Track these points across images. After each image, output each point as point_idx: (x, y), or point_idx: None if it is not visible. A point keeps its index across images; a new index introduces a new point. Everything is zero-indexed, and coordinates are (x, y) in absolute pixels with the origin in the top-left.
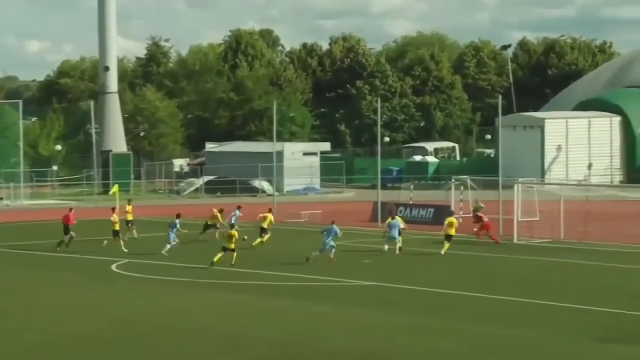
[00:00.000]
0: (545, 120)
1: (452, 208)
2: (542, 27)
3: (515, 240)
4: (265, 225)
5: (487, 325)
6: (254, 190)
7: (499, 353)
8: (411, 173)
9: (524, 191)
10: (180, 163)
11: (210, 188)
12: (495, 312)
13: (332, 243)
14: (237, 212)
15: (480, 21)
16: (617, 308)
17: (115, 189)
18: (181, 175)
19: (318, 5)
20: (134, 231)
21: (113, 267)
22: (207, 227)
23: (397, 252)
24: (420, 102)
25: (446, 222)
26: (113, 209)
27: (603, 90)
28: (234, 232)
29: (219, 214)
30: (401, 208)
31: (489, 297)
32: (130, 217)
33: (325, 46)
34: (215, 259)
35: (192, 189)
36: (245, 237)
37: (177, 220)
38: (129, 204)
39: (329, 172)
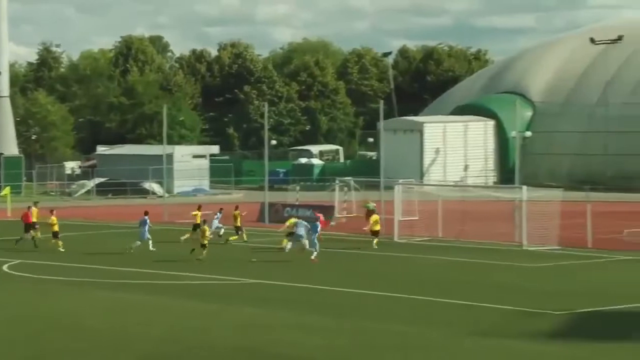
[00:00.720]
0: (425, 125)
1: (336, 209)
2: (421, 35)
3: (396, 239)
4: (238, 223)
5: (369, 322)
6: (145, 192)
7: (380, 348)
8: (297, 175)
9: (404, 192)
10: (72, 166)
11: (102, 190)
12: (377, 309)
13: (303, 234)
14: (219, 214)
15: (362, 29)
16: (496, 303)
17: (6, 191)
18: (73, 178)
19: (205, 13)
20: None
21: (4, 267)
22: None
23: (313, 257)
24: (305, 106)
25: (372, 220)
26: (51, 211)
27: (478, 96)
28: (205, 227)
29: (198, 213)
30: (288, 209)
31: (371, 294)
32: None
33: (214, 52)
34: (201, 256)
35: (83, 190)
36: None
37: (147, 217)
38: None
39: (218, 174)
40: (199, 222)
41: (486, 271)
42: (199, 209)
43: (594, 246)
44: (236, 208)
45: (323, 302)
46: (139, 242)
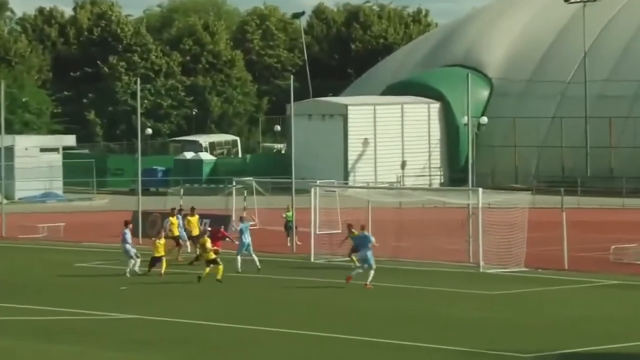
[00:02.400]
0: (349, 107)
1: (233, 219)
2: None
3: (312, 259)
4: (197, 231)
5: None
6: None
7: None
8: (181, 174)
9: (323, 197)
10: None
11: None
12: (275, 349)
13: (249, 241)
14: (180, 216)
15: None
16: (439, 343)
17: None
18: None
19: None
20: None
21: None
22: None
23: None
24: (191, 83)
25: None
26: None
27: (418, 70)
28: (206, 239)
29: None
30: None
31: (271, 331)
32: None
33: (68, 12)
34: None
35: None
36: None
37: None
38: None
39: (75, 173)
40: (197, 232)
41: (429, 301)
42: (192, 211)
43: (572, 267)
44: (192, 211)
45: (219, 342)
46: (132, 261)
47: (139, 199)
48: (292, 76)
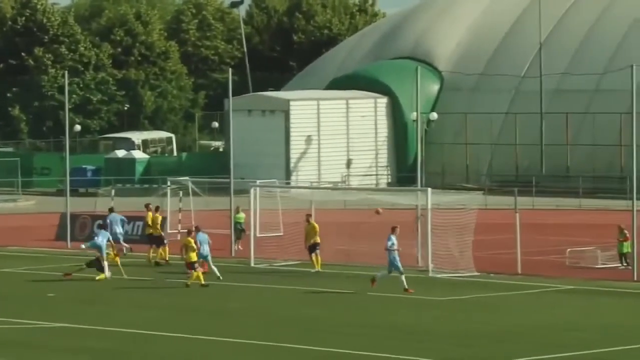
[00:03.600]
0: (291, 103)
1: (168, 222)
2: None
3: (252, 264)
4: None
5: None
6: None
7: None
8: (112, 174)
9: (264, 197)
10: None
11: None
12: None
13: (208, 253)
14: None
15: None
16: (383, 352)
17: None
18: None
19: None
20: None
21: None
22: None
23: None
24: (123, 77)
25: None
26: None
27: (365, 63)
28: (190, 239)
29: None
30: (99, 222)
31: (207, 340)
32: None
33: None
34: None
35: None
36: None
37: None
38: None
39: None
40: (158, 231)
41: (376, 307)
42: (156, 210)
43: (525, 271)
44: (156, 209)
45: (156, 353)
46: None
47: (67, 200)
48: (230, 69)
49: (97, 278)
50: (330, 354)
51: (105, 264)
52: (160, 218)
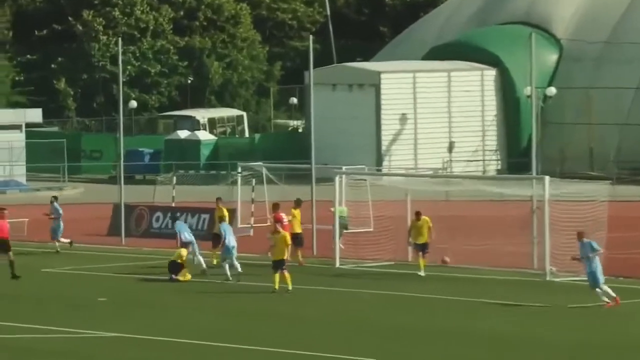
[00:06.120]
0: (382, 75)
1: (239, 214)
2: None
3: (337, 264)
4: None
5: None
6: None
7: None
8: (174, 158)
9: (351, 187)
10: None
11: None
12: None
13: (234, 244)
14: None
15: None
16: None
17: None
18: None
19: None
20: None
21: None
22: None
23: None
24: (185, 45)
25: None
26: None
27: (468, 29)
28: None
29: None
30: (158, 214)
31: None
32: None
33: None
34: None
35: None
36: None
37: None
38: None
39: (42, 156)
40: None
41: (485, 316)
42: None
43: None
44: (217, 203)
45: None
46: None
47: (121, 188)
48: (311, 36)
49: (182, 279)
50: None
51: (200, 258)
52: (226, 212)
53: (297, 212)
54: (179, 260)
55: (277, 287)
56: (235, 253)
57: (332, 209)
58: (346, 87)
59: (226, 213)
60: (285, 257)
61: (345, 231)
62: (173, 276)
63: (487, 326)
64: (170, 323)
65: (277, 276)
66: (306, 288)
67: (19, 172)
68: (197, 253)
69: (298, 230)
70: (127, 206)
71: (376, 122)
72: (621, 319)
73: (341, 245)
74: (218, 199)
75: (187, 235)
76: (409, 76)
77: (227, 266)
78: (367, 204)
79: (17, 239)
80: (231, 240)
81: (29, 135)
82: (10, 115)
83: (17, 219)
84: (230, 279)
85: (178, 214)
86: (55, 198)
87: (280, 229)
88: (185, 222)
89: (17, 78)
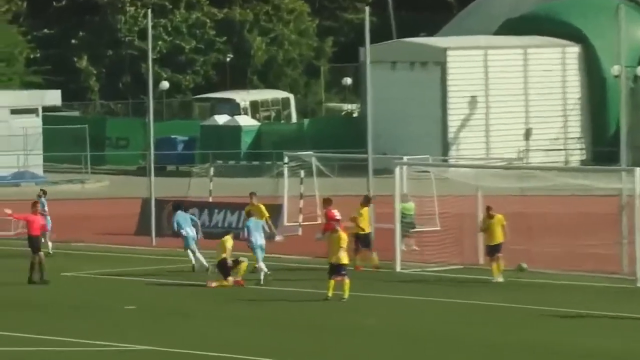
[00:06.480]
0: (449, 52)
1: (285, 211)
2: None
3: (398, 268)
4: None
5: None
6: None
7: None
8: (211, 147)
9: (413, 180)
10: None
11: None
12: None
13: (261, 242)
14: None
15: None
16: None
17: None
18: None
19: None
20: None
21: None
22: None
23: (262, 279)
24: (224, 17)
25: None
26: None
27: (547, 0)
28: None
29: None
30: (194, 210)
31: None
32: None
33: None
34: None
35: None
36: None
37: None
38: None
39: (61, 145)
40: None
41: (570, 329)
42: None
43: None
44: (251, 198)
45: None
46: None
47: (151, 181)
48: (367, 8)
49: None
50: None
51: (201, 257)
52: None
53: (365, 210)
54: (224, 255)
55: (330, 294)
56: (262, 254)
57: (398, 205)
58: (407, 65)
59: (264, 210)
60: (344, 262)
61: (411, 230)
62: (211, 282)
63: (592, 343)
64: (207, 335)
65: (332, 283)
66: (362, 295)
67: (35, 163)
68: (196, 251)
69: (366, 229)
70: (158, 202)
71: (442, 106)
72: None
73: (415, 247)
74: (252, 193)
75: (188, 230)
76: (479, 53)
77: (263, 267)
78: (432, 200)
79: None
80: (258, 237)
81: (46, 120)
82: (24, 98)
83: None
84: (262, 283)
85: (216, 210)
86: (44, 192)
87: (338, 228)
88: (224, 219)
89: (32, 55)
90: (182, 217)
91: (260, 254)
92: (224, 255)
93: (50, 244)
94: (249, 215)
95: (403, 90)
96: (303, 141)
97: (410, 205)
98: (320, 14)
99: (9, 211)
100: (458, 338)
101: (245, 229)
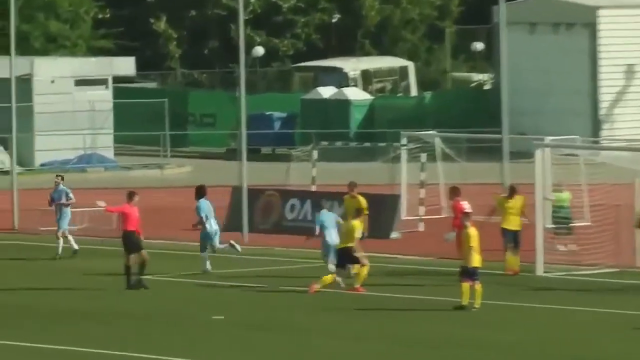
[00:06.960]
0: (600, 12)
1: (403, 202)
2: None
3: (540, 272)
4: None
5: None
6: None
7: None
8: (314, 125)
9: (557, 164)
10: None
11: None
12: None
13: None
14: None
15: None
16: None
17: None
18: None
19: None
20: None
21: None
22: None
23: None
24: None
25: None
26: None
27: None
28: None
29: None
30: (293, 202)
31: None
32: None
33: None
34: None
35: None
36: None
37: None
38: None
39: (135, 123)
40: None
41: None
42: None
43: None
44: (351, 189)
45: None
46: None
47: (243, 166)
48: None
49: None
50: None
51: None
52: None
53: (511, 203)
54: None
55: (465, 302)
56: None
57: (550, 196)
58: (550, 27)
59: (363, 202)
60: (475, 265)
61: (569, 226)
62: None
63: None
64: (309, 351)
65: (466, 287)
66: (496, 304)
67: (104, 144)
68: (216, 246)
69: (513, 227)
70: (251, 190)
71: (591, 77)
72: None
73: (562, 246)
74: (352, 183)
75: (212, 222)
76: (637, 13)
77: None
78: (581, 189)
79: (103, 234)
80: (333, 235)
81: (117, 93)
82: (92, 66)
83: (101, 207)
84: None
85: (323, 201)
86: (62, 178)
87: (468, 223)
88: (331, 211)
89: (100, 16)
90: (206, 205)
91: (334, 256)
92: (351, 245)
93: (71, 238)
94: (349, 209)
95: (545, 57)
96: (424, 118)
97: (566, 195)
98: None
99: (103, 204)
100: (614, 356)
101: (318, 225)
